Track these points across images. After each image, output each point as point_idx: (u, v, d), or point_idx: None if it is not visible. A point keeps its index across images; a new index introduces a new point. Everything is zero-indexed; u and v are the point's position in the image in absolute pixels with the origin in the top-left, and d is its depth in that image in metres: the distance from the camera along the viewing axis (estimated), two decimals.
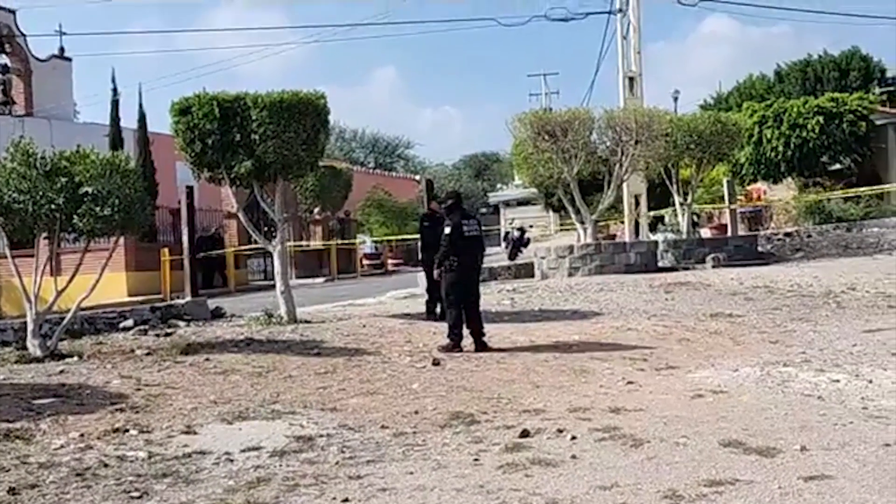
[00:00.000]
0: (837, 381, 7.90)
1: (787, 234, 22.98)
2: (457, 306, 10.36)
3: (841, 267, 16.57)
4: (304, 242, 30.00)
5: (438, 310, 12.59)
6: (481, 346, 10.16)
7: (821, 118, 27.38)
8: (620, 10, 21.69)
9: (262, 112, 11.57)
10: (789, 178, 28.05)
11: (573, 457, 5.69)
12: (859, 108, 27.73)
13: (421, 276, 14.71)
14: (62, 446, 6.21)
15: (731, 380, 8.15)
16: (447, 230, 10.45)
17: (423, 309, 12.84)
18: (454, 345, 10.16)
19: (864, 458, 5.48)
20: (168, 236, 25.56)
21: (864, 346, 9.64)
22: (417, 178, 48.28)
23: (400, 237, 31.46)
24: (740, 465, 5.41)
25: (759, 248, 20.25)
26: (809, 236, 22.49)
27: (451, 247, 10.38)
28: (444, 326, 10.69)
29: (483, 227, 11.48)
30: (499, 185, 62.99)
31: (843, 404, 7.02)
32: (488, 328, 10.71)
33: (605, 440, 6.08)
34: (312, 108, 11.94)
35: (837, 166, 28.10)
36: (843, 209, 24.70)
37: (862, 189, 24.12)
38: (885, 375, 8.05)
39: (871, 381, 7.83)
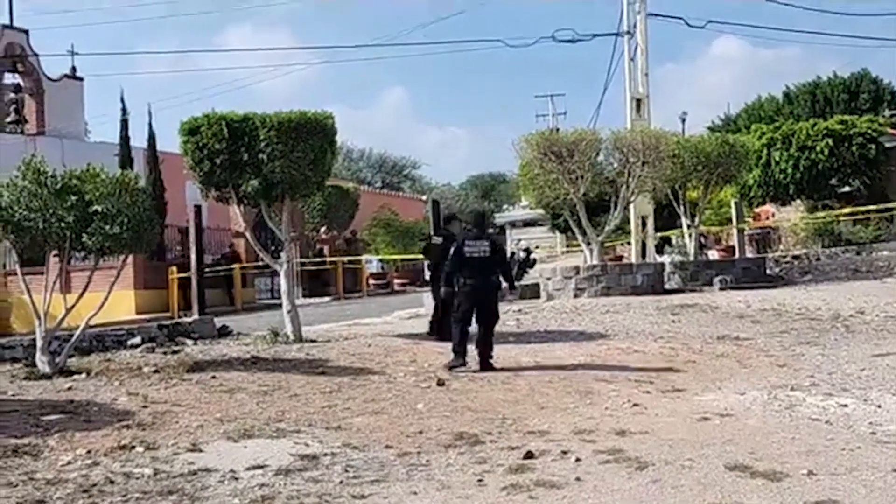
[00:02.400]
0: (845, 405, 7.87)
1: (796, 257, 22.93)
2: (461, 325, 10.43)
3: (850, 290, 16.50)
4: (310, 261, 30.03)
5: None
6: (486, 367, 10.17)
7: (830, 140, 27.37)
8: (628, 32, 21.74)
9: (270, 132, 11.64)
10: (798, 201, 28.02)
11: (577, 479, 5.68)
12: (869, 131, 27.73)
13: (426, 297, 14.73)
14: (69, 462, 6.23)
15: (738, 403, 8.12)
16: (451, 250, 10.59)
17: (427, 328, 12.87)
18: (459, 363, 10.23)
19: (872, 483, 5.46)
20: (177, 255, 25.63)
21: (872, 370, 9.60)
22: (424, 198, 48.36)
23: (406, 257, 31.48)
24: (746, 489, 5.40)
25: (768, 271, 20.18)
26: (818, 259, 22.43)
27: (453, 266, 10.51)
28: (447, 346, 10.78)
29: None
30: (505, 206, 63.08)
31: (851, 429, 7.00)
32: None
33: (609, 462, 6.07)
34: (320, 127, 12.01)
35: (847, 189, 28.07)
36: (852, 232, 24.64)
37: (870, 209, 24.04)
38: (894, 400, 8.01)
39: (879, 406, 7.80)
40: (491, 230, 11.49)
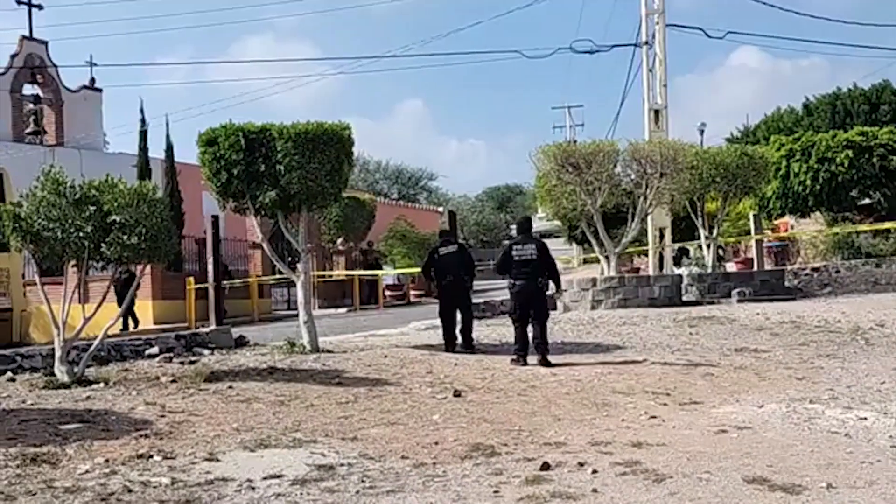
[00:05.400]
0: (865, 418, 7.80)
1: (815, 269, 22.74)
2: (520, 323, 11.44)
3: (870, 303, 16.39)
4: (326, 272, 30.11)
5: (460, 340, 12.63)
6: (545, 363, 11.06)
7: (850, 152, 27.17)
8: (647, 43, 21.72)
9: (287, 143, 11.68)
10: (817, 213, 27.84)
11: (594, 490, 5.66)
12: (890, 143, 27.49)
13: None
14: (87, 471, 6.25)
15: (756, 416, 8.07)
16: (503, 253, 11.92)
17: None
18: (519, 358, 11.21)
19: (892, 496, 5.42)
20: (194, 265, 25.76)
21: (892, 383, 9.51)
22: (440, 209, 48.41)
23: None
24: (765, 502, 5.36)
25: (786, 283, 20.06)
26: (837, 271, 22.25)
27: (498, 268, 11.83)
28: (463, 357, 10.92)
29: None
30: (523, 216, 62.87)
31: (871, 442, 6.94)
32: (507, 360, 11.15)
33: (626, 474, 6.04)
34: (337, 139, 12.04)
35: (867, 201, 27.84)
36: (871, 244, 24.44)
37: (889, 225, 23.83)
38: None
39: None
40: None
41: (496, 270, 11.99)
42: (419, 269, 15.81)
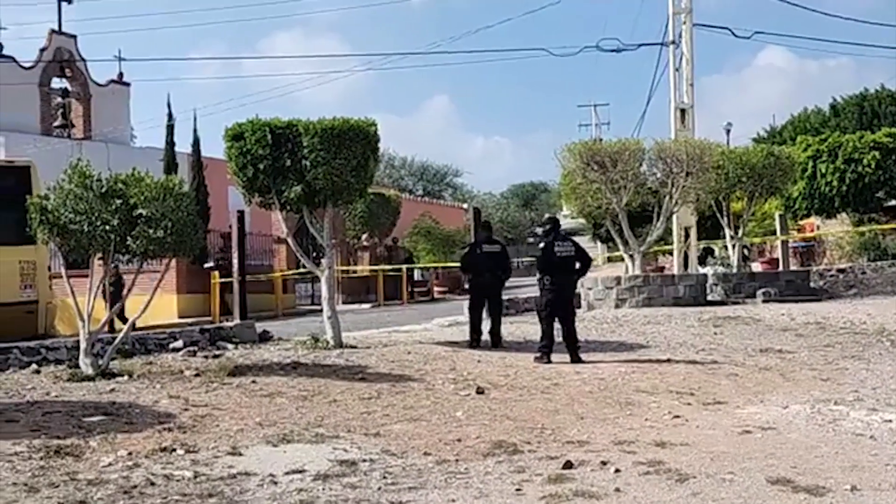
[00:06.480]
0: (890, 420, 7.72)
1: (841, 270, 22.54)
2: (548, 321, 11.37)
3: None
4: (351, 268, 30.20)
5: (487, 336, 12.64)
6: (576, 359, 11.13)
7: (877, 153, 26.93)
8: (673, 42, 21.60)
9: (313, 138, 11.71)
10: (843, 214, 27.62)
11: (617, 490, 5.63)
12: None
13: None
14: (110, 464, 6.30)
15: (781, 417, 8.01)
16: (540, 245, 11.83)
17: (468, 337, 12.86)
18: (543, 356, 11.15)
19: None
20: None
21: None
22: (465, 206, 48.41)
23: (447, 265, 31.48)
24: (788, 503, 5.31)
25: (812, 284, 19.91)
26: (864, 273, 22.04)
27: (545, 266, 11.51)
28: (487, 354, 10.79)
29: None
30: (546, 215, 62.77)
31: None
32: (531, 358, 11.06)
33: (649, 474, 6.01)
34: (363, 135, 12.07)
35: (894, 203, 27.60)
36: None
37: None
38: None
39: None
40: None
41: (543, 271, 11.59)
42: (446, 265, 15.85)
